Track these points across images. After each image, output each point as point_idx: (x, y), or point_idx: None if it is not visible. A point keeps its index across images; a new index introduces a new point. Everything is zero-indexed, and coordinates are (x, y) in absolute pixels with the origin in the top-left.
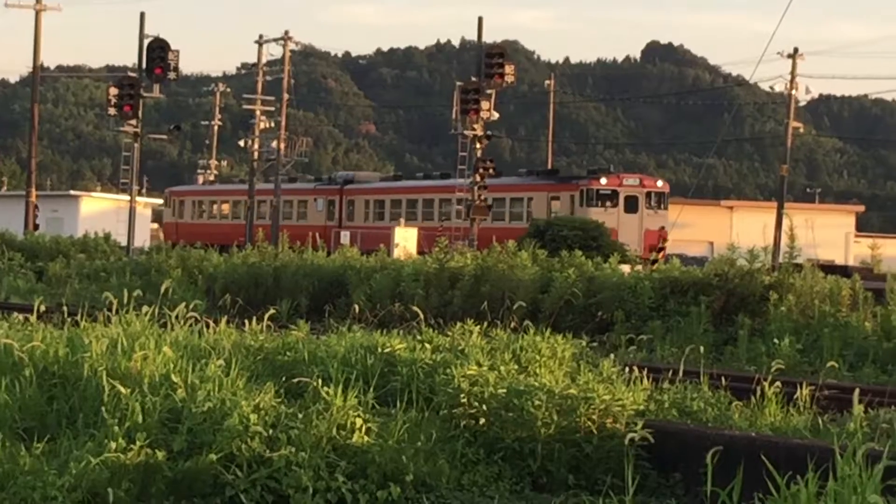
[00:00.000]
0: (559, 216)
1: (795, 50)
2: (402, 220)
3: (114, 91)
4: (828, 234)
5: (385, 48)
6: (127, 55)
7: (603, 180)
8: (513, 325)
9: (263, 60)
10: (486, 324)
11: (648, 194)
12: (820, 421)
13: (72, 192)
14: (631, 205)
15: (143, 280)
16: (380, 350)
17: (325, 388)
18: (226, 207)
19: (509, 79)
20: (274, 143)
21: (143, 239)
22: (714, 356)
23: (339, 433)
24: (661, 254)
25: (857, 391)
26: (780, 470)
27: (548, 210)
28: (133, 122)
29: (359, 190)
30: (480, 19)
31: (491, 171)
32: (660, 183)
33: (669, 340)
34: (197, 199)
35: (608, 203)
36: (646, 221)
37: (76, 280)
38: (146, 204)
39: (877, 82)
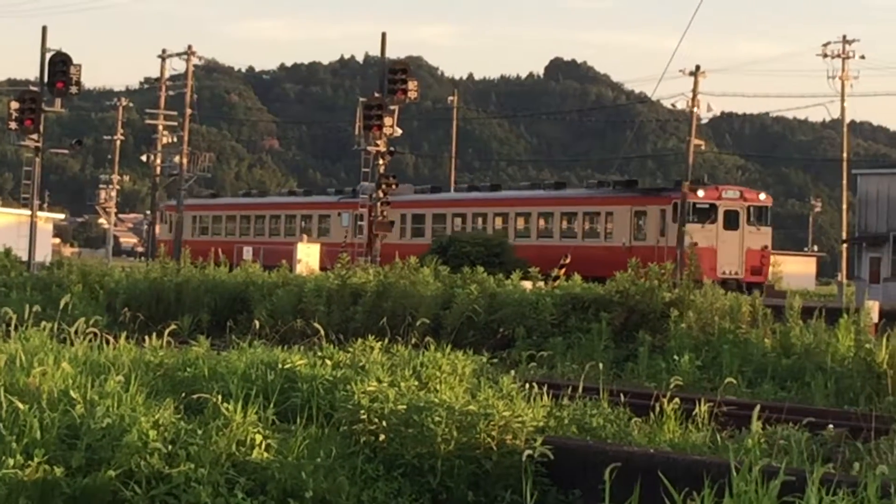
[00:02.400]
0: (465, 232)
1: (697, 67)
2: (305, 237)
3: (15, 105)
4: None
5: (289, 63)
6: (29, 69)
7: (700, 192)
8: (414, 341)
9: (167, 75)
10: (387, 340)
11: (749, 209)
12: (718, 437)
13: None
14: (731, 221)
15: (44, 295)
16: (280, 366)
17: (225, 405)
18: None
19: (412, 95)
20: (176, 159)
21: (44, 254)
22: (615, 372)
23: (239, 449)
24: (562, 270)
25: (756, 408)
26: (679, 486)
27: (631, 227)
28: (34, 136)
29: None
30: (384, 35)
31: (394, 186)
32: (762, 196)
33: (570, 357)
34: (198, 215)
35: (706, 219)
36: (747, 240)
37: None
38: (47, 219)
39: (777, 100)
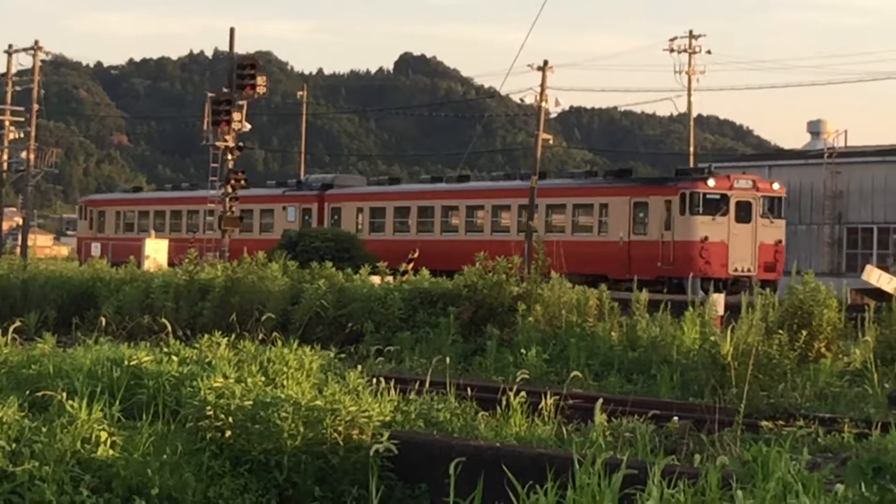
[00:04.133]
0: (312, 228)
1: (545, 62)
2: (153, 233)
3: None
4: None
5: (137, 58)
6: None
7: (711, 182)
8: (262, 336)
9: (13, 70)
10: (234, 336)
11: (762, 199)
12: (564, 430)
13: None
14: (744, 213)
15: None
16: (126, 363)
17: (70, 402)
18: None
19: (261, 90)
20: (23, 154)
21: None
22: (463, 367)
23: (84, 447)
24: (410, 265)
25: (599, 401)
26: (524, 479)
27: (631, 220)
28: None
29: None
30: (232, 30)
31: (242, 182)
32: (776, 186)
33: (419, 351)
34: (121, 210)
35: (716, 210)
36: (760, 234)
37: None
38: None
39: (625, 95)
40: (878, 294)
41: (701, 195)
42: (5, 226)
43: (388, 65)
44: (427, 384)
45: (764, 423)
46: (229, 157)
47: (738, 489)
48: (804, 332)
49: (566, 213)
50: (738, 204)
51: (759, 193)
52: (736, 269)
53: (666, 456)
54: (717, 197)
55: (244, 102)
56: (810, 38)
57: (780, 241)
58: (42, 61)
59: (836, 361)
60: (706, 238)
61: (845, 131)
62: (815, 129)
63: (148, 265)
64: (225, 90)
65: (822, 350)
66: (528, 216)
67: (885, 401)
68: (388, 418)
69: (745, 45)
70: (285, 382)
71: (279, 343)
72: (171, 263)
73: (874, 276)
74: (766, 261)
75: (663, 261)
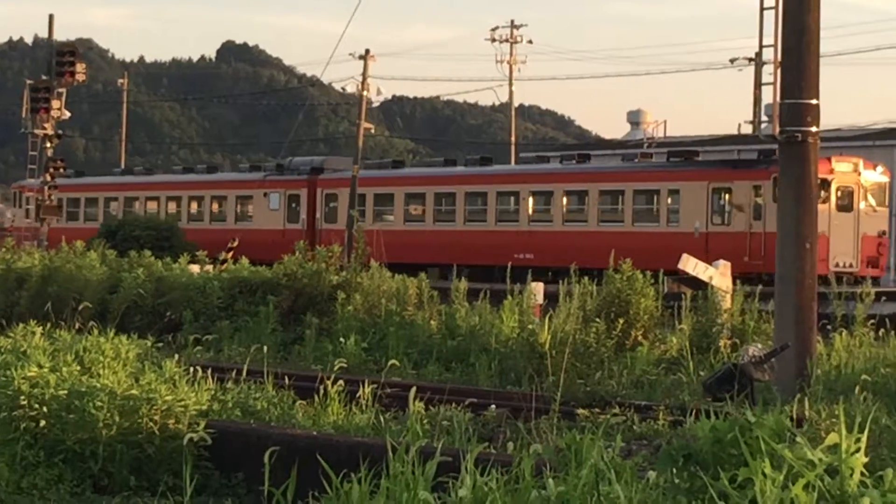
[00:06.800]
0: (134, 217)
1: (367, 51)
2: None
3: None
4: None
5: None
6: None
7: None
8: (78, 325)
9: None
10: (50, 325)
11: (865, 185)
12: (382, 419)
13: None
14: (845, 200)
15: None
16: None
17: None
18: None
19: (80, 77)
20: None
21: None
22: (282, 356)
23: None
24: (230, 254)
25: (413, 389)
26: (341, 468)
27: (709, 208)
28: None
29: None
30: (51, 17)
31: (62, 170)
32: (879, 169)
33: (238, 340)
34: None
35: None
36: (863, 224)
37: None
38: None
39: (448, 84)
40: (695, 283)
41: None
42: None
43: (211, 53)
44: (244, 373)
45: (580, 410)
46: (48, 145)
47: (551, 477)
48: (621, 321)
49: (625, 200)
50: (839, 190)
51: (862, 178)
52: (837, 265)
53: (483, 444)
54: (818, 182)
55: (63, 90)
56: (632, 29)
57: (883, 233)
58: None
59: (652, 349)
60: None
61: (664, 121)
62: (634, 119)
63: None
64: (44, 77)
65: (640, 338)
66: (350, 205)
67: (700, 388)
68: (204, 407)
69: (567, 36)
70: (101, 372)
71: (96, 332)
72: None
73: (690, 265)
74: (869, 255)
75: (751, 255)
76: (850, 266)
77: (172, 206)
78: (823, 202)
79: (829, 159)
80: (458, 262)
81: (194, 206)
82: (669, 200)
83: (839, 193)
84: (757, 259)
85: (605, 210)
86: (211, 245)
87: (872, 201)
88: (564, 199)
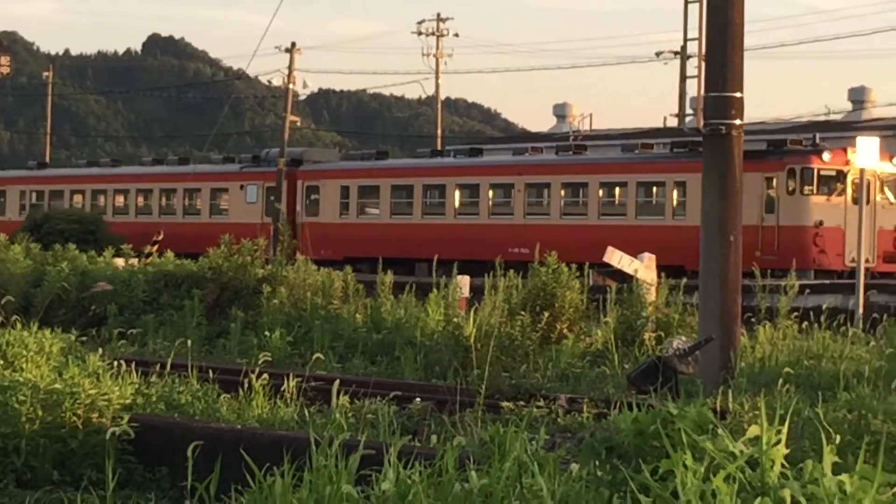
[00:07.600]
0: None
1: (293, 44)
2: None
3: None
4: None
5: None
6: None
7: (826, 156)
8: (1, 319)
9: None
10: None
11: (882, 178)
12: (307, 412)
13: None
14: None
15: None
16: None
17: None
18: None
19: (5, 70)
20: None
21: None
22: (207, 349)
23: None
24: (155, 247)
25: (336, 382)
26: (264, 461)
27: None
28: None
29: None
30: None
31: None
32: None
33: (162, 334)
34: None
35: (832, 190)
36: (879, 217)
37: None
38: None
39: (374, 77)
40: (620, 276)
41: (815, 171)
42: None
43: (136, 46)
44: (169, 367)
45: (505, 403)
46: None
47: (474, 469)
48: (547, 314)
49: (627, 192)
50: (855, 182)
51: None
52: (853, 260)
53: (407, 437)
54: (833, 174)
55: None
56: (558, 22)
57: None
58: None
59: (578, 342)
60: (821, 223)
61: (590, 115)
62: (560, 112)
63: None
64: None
65: (565, 331)
66: (276, 198)
67: (625, 381)
68: (128, 401)
69: (494, 29)
70: (24, 366)
71: (19, 326)
72: None
73: (615, 258)
74: (886, 250)
75: (764, 250)
76: (867, 261)
77: (141, 200)
78: (840, 195)
79: (844, 150)
80: (449, 257)
81: (164, 200)
82: (675, 193)
83: (855, 186)
84: (770, 254)
85: (606, 203)
86: (191, 241)
87: (889, 195)
88: (562, 192)
